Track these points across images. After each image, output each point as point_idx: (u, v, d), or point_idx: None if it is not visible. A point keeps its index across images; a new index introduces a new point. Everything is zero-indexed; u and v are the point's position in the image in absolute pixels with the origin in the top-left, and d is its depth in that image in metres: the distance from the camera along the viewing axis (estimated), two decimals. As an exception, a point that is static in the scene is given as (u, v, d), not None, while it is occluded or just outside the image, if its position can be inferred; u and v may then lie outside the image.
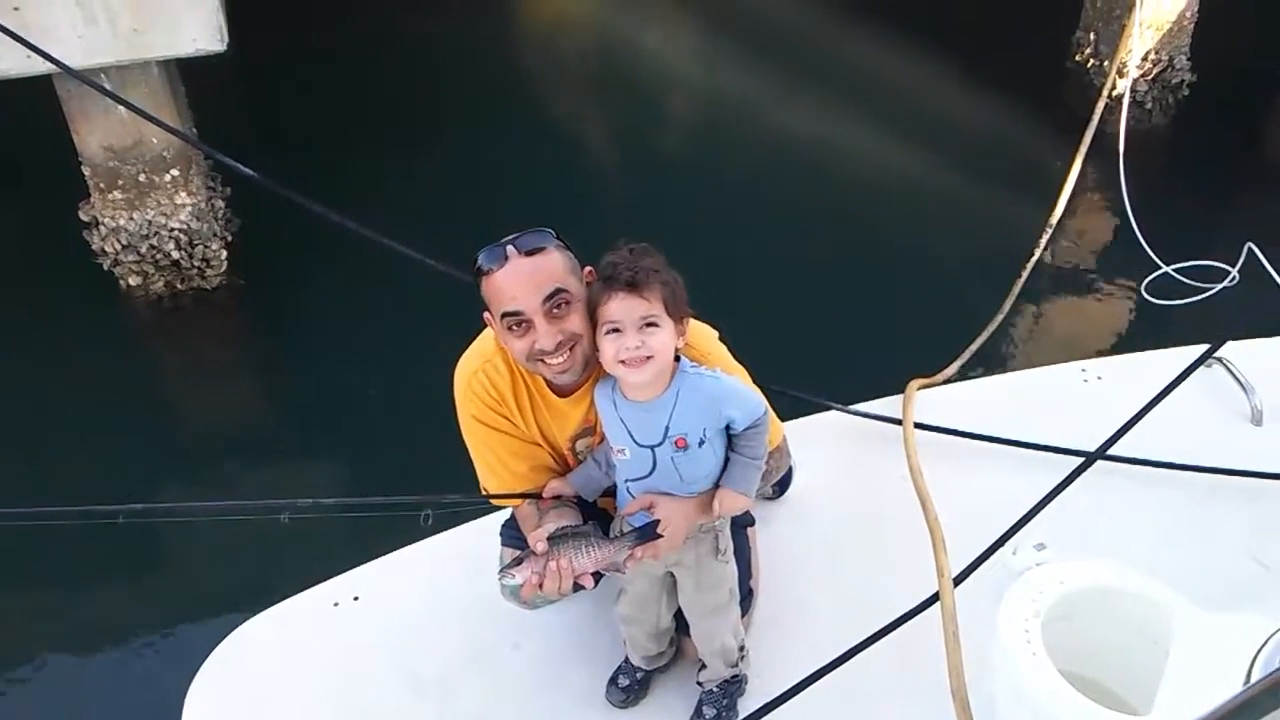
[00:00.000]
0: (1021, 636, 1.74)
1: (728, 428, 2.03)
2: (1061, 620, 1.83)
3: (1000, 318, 4.50)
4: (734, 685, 2.39)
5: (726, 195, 5.80)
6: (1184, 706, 1.57)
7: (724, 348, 2.19)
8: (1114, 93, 5.95)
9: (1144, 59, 6.04)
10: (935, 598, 2.22)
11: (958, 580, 2.26)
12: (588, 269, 2.01)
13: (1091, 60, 6.39)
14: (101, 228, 4.95)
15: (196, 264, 5.09)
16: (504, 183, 5.64)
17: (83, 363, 5.00)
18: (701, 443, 1.99)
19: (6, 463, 4.53)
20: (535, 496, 2.14)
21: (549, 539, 1.94)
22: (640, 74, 7.13)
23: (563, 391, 2.11)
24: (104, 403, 4.81)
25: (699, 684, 2.41)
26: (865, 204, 5.78)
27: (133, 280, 5.10)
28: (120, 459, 4.49)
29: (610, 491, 2.16)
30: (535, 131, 6.40)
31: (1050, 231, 5.18)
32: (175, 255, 5.01)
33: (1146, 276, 4.38)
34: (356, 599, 2.84)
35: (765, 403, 2.06)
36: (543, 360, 1.97)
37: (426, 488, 2.35)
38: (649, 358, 1.92)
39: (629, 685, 2.46)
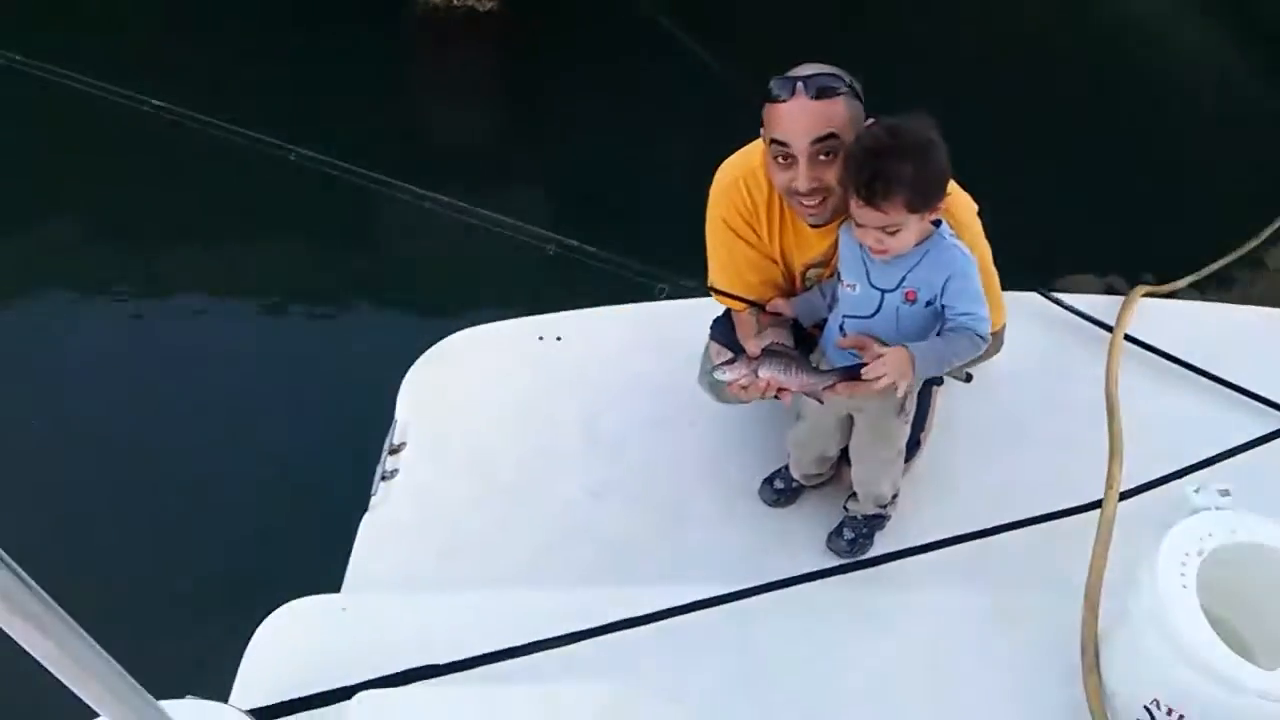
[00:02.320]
0: (1177, 567, 1.74)
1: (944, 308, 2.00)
2: (1221, 565, 1.82)
3: (1254, 244, 4.12)
4: (876, 520, 2.48)
5: (1004, 55, 5.36)
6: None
7: (979, 224, 2.13)
8: None
9: None
10: (1097, 504, 2.22)
11: (1124, 495, 2.25)
12: (870, 120, 1.97)
13: None
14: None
15: (476, -13, 5.18)
16: None
17: (359, 50, 5.24)
18: (929, 303, 1.99)
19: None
20: (760, 307, 2.22)
21: (763, 350, 2.03)
22: None
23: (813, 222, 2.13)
24: (366, 88, 5.06)
25: (845, 509, 2.51)
26: (1158, 91, 5.26)
27: (423, -12, 5.27)
28: (360, 154, 4.79)
29: (821, 324, 2.21)
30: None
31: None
32: (460, -26, 5.11)
33: None
34: (559, 339, 3.05)
35: (988, 316, 2.00)
36: (796, 197, 1.99)
37: (650, 256, 2.46)
38: (887, 250, 1.92)
39: (782, 489, 2.58)
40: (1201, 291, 3.94)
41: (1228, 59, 5.47)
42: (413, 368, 2.98)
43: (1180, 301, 3.37)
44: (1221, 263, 3.87)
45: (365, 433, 2.91)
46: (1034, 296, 3.08)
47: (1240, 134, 4.99)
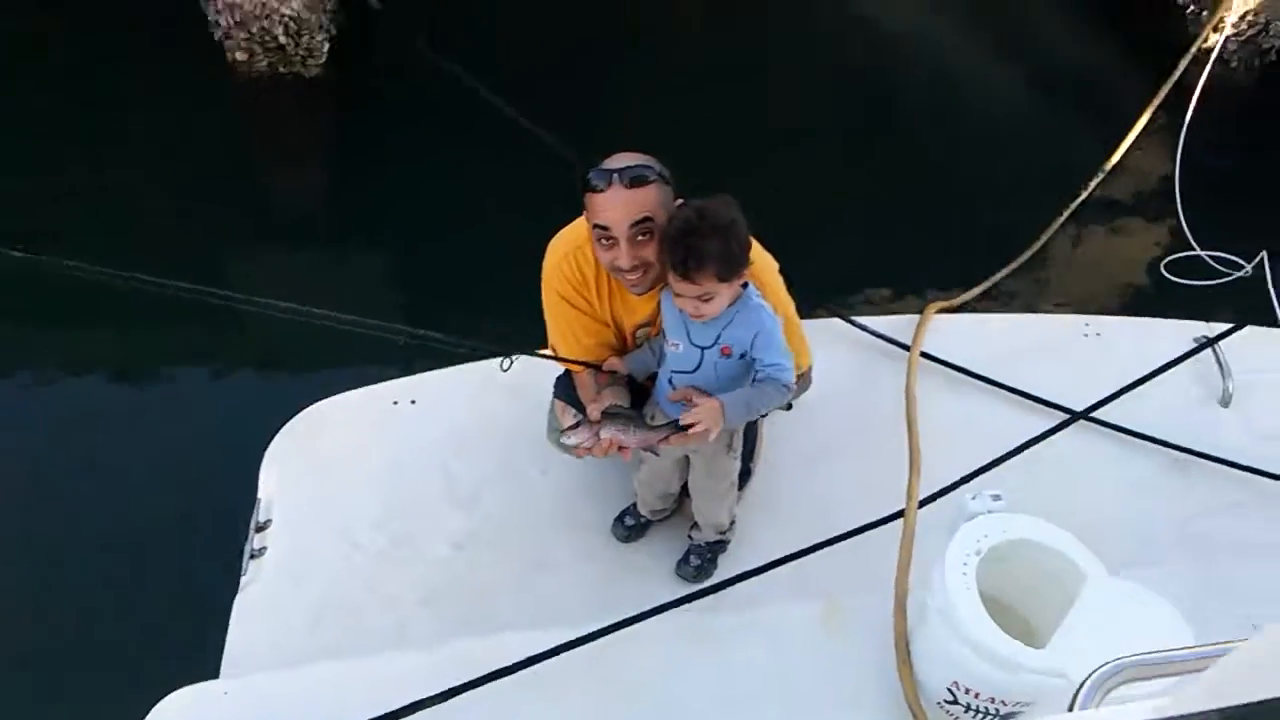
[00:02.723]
0: (959, 567, 2.03)
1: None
2: (1000, 559, 2.12)
3: (1029, 254, 4.61)
4: (718, 545, 2.73)
5: (785, 94, 5.68)
6: (1067, 652, 1.88)
7: (780, 281, 2.39)
8: (1204, 46, 5.80)
9: (1241, 18, 5.84)
10: (900, 514, 2.51)
11: (923, 503, 2.55)
12: (679, 201, 2.19)
13: (1192, 5, 6.17)
14: (218, 1, 5.04)
15: (300, 52, 5.19)
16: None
17: (182, 121, 5.16)
18: (743, 356, 2.23)
19: (100, 207, 4.79)
20: (596, 368, 2.42)
21: (603, 413, 2.23)
22: None
23: None
24: (196, 162, 5.01)
25: (690, 537, 2.74)
26: (929, 114, 5.70)
27: (239, 55, 5.22)
28: (199, 225, 4.74)
29: (652, 377, 2.43)
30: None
31: (1102, 176, 5.19)
32: (282, 40, 5.11)
33: (1177, 250, 4.44)
34: (413, 402, 3.16)
35: (791, 368, 2.24)
36: (619, 273, 2.20)
37: (490, 330, 2.61)
38: (703, 314, 2.15)
39: (633, 525, 2.80)
40: (994, 300, 4.40)
41: (990, 74, 5.97)
42: (272, 443, 3.03)
43: (969, 315, 3.76)
44: (1001, 275, 4.34)
45: (230, 511, 2.96)
46: (836, 322, 3.37)
47: (1012, 148, 5.49)
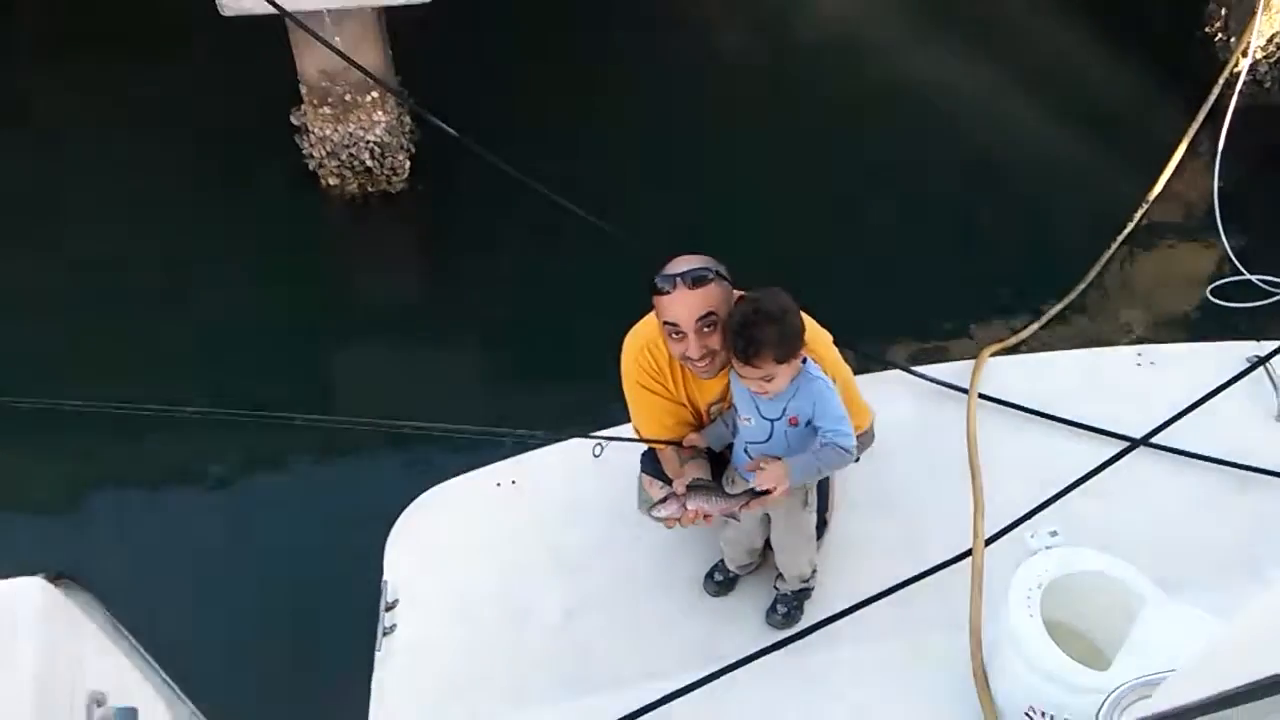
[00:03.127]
0: (1024, 600, 2.19)
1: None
2: (1066, 588, 2.27)
3: (1079, 289, 4.72)
4: (803, 593, 2.90)
5: (826, 137, 5.90)
6: (1128, 673, 2.02)
7: (836, 352, 2.61)
8: (1234, 70, 5.88)
9: (1269, 40, 5.92)
10: (969, 553, 2.67)
11: (989, 541, 2.70)
12: (739, 295, 2.44)
13: (1220, 34, 6.27)
14: (311, 135, 5.55)
15: (385, 171, 5.68)
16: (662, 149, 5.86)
17: (283, 242, 5.66)
18: (809, 423, 2.45)
19: (209, 315, 5.24)
20: (678, 444, 2.66)
21: (687, 486, 2.47)
22: (759, 8, 7.15)
23: None
24: (294, 279, 5.47)
25: (775, 588, 2.92)
26: (973, 154, 5.86)
27: (331, 180, 5.72)
28: (298, 335, 5.18)
29: (729, 447, 2.65)
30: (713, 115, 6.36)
31: (1145, 208, 5.28)
32: (369, 163, 5.60)
33: (1223, 274, 4.52)
34: (514, 482, 3.42)
35: (850, 431, 2.44)
36: (689, 361, 2.45)
37: (581, 419, 2.87)
38: (767, 392, 2.38)
39: (722, 580, 2.99)
40: (1047, 337, 4.52)
41: (1024, 113, 6.11)
42: (393, 530, 3.32)
43: (1024, 355, 3.91)
44: (1052, 312, 4.46)
45: (359, 591, 3.24)
46: (897, 373, 3.54)
47: (1051, 185, 5.61)
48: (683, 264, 2.41)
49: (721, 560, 3.00)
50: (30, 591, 1.24)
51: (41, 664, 1.19)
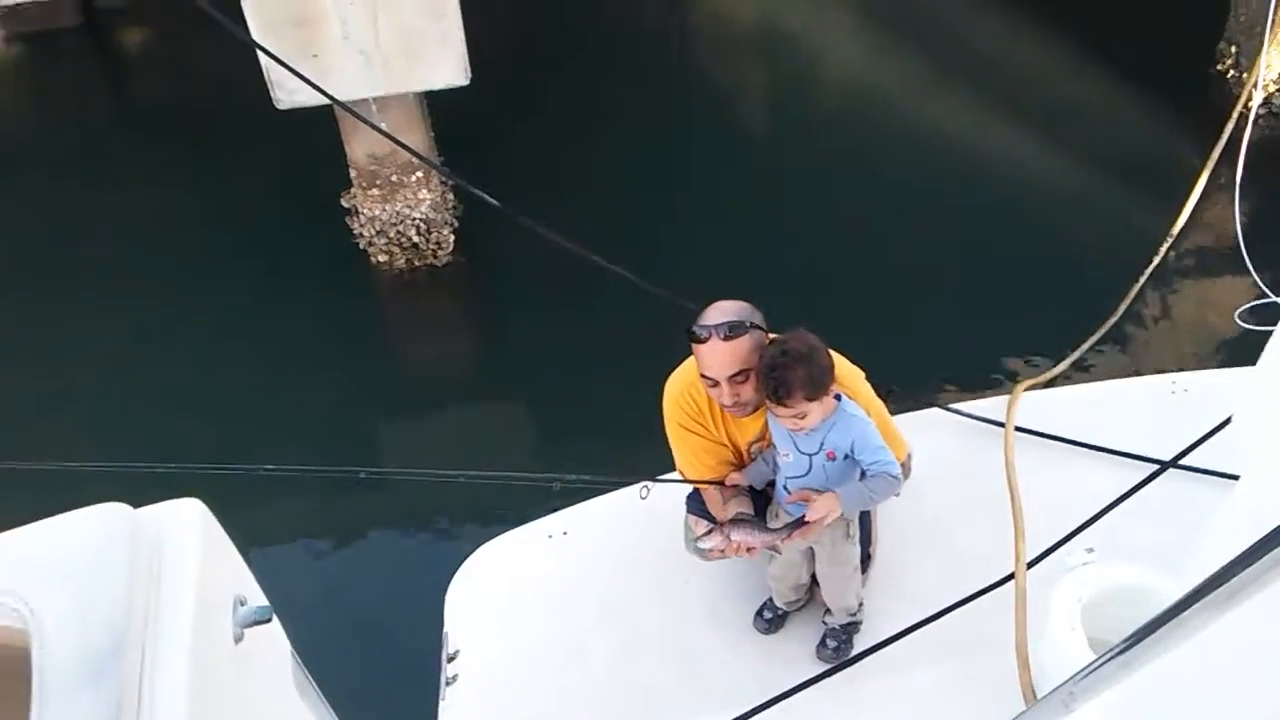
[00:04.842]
0: (1066, 617, 2.22)
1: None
2: (1105, 606, 2.29)
3: (1110, 323, 4.75)
4: (851, 627, 2.93)
5: (852, 182, 6.05)
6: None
7: (868, 387, 2.68)
8: (1248, 104, 5.93)
9: (1281, 74, 5.99)
10: (1011, 577, 2.70)
11: (1031, 564, 2.73)
12: (771, 338, 2.53)
13: (1232, 71, 6.34)
14: (361, 215, 5.82)
15: (431, 246, 5.91)
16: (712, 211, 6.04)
17: (336, 319, 5.89)
18: (846, 456, 2.52)
19: (269, 391, 5.45)
20: (720, 484, 2.74)
21: (732, 520, 2.54)
22: (780, 57, 7.33)
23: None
24: (348, 353, 5.68)
25: (824, 623, 2.95)
26: (993, 194, 5.96)
27: (381, 257, 5.97)
28: (356, 404, 5.35)
29: (771, 484, 2.73)
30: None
31: (1171, 240, 5.32)
32: (415, 239, 5.84)
33: (1250, 298, 4.53)
34: (565, 534, 3.50)
35: (893, 458, 2.51)
36: (725, 407, 2.55)
37: (625, 463, 2.96)
38: (802, 428, 2.47)
39: (771, 618, 3.02)
40: (1080, 371, 4.55)
41: (1045, 156, 6.19)
42: (452, 583, 3.41)
43: (1057, 389, 3.93)
44: (1085, 347, 4.49)
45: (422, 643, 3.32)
46: (936, 411, 3.59)
47: (1075, 223, 5.68)
48: (718, 313, 2.51)
49: (770, 598, 3.04)
50: (194, 508, 1.50)
51: (205, 566, 1.44)
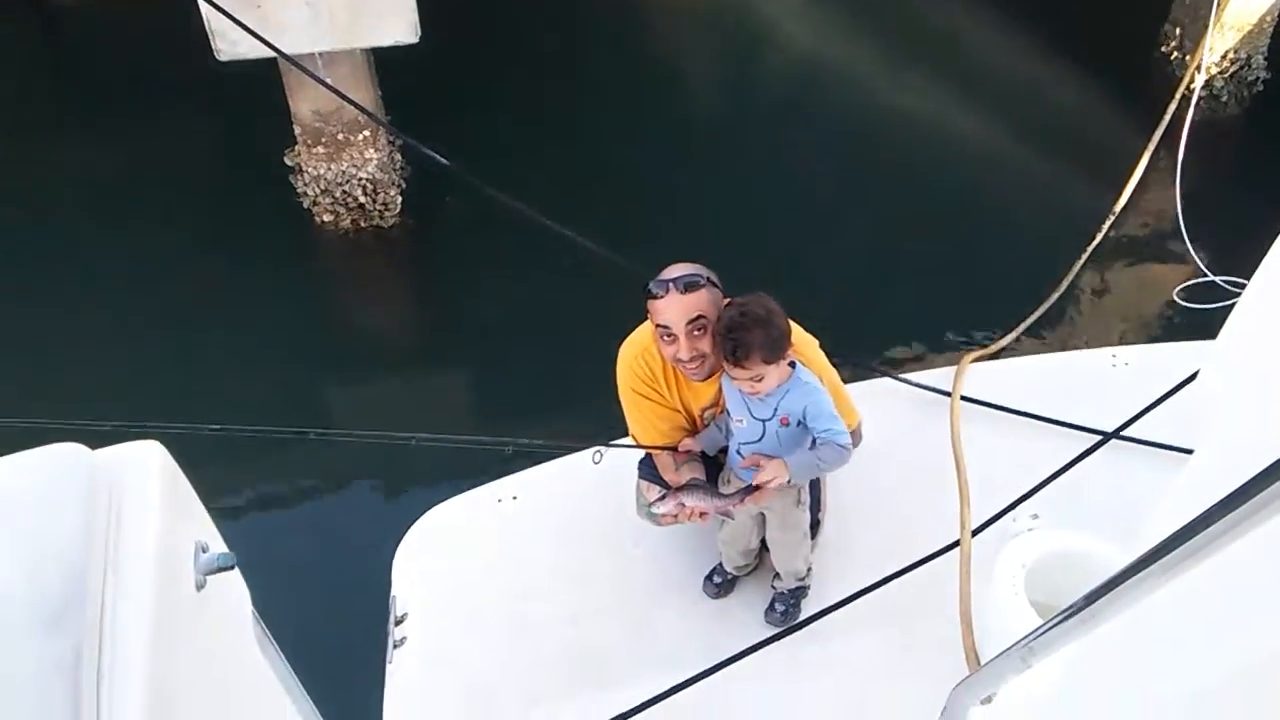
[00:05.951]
0: (1009, 581, 2.26)
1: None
2: (1048, 572, 2.34)
3: (1054, 299, 4.84)
4: (800, 591, 2.96)
5: (805, 156, 6.06)
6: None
7: (822, 355, 2.68)
8: (1190, 86, 6.05)
9: (1223, 56, 6.11)
10: (957, 543, 2.74)
11: (975, 532, 2.77)
12: (727, 301, 2.52)
13: (1175, 53, 6.46)
14: (305, 174, 5.65)
15: (378, 207, 5.77)
16: (648, 172, 6.00)
17: (280, 279, 5.74)
18: (799, 423, 2.52)
19: (213, 353, 5.33)
20: (673, 449, 2.73)
21: (684, 485, 2.53)
22: (738, 27, 7.29)
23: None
24: (293, 314, 5.55)
25: (773, 587, 2.97)
26: (940, 171, 6.03)
27: (326, 217, 5.82)
28: (300, 364, 5.24)
29: (724, 450, 2.73)
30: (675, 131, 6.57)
31: (1113, 219, 5.43)
32: (362, 200, 5.70)
33: (1189, 276, 4.66)
34: (515, 498, 3.47)
35: (844, 429, 2.51)
36: (680, 364, 2.53)
37: (577, 430, 2.93)
38: (757, 391, 2.46)
39: (720, 583, 3.05)
40: (1025, 344, 4.64)
41: (993, 133, 6.27)
42: (399, 547, 3.36)
43: (1002, 360, 4.00)
44: (1028, 321, 4.57)
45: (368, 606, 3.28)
46: (886, 380, 3.63)
47: (1022, 200, 5.76)
48: (675, 270, 2.49)
49: (720, 563, 3.05)
50: (155, 450, 1.45)
51: (166, 510, 1.40)
